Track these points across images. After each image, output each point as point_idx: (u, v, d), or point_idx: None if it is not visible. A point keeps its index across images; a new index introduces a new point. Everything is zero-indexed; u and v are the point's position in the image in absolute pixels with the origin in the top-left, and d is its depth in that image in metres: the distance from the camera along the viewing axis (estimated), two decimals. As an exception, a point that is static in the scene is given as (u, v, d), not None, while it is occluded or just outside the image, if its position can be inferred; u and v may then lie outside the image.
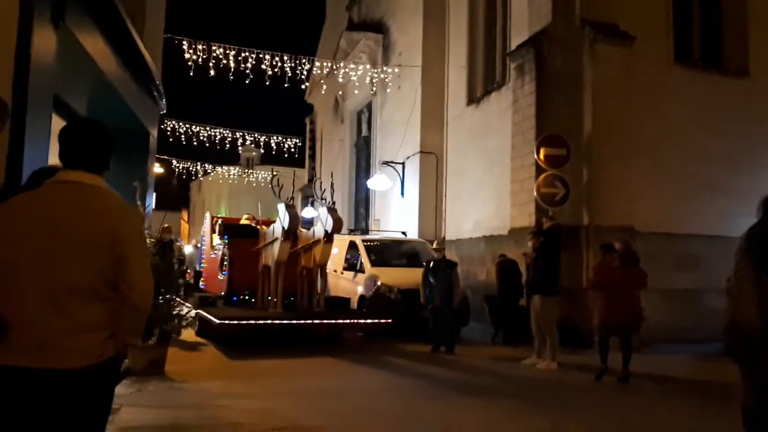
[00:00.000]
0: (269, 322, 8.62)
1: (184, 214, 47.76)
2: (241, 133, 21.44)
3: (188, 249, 18.47)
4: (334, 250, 10.46)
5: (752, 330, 1.84)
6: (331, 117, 24.00)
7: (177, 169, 25.54)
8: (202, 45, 13.42)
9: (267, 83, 14.40)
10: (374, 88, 18.05)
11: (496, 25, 14.34)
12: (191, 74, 13.58)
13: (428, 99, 15.84)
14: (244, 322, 8.47)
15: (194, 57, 13.35)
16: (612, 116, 10.41)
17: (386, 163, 16.83)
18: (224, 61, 13.73)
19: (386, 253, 12.04)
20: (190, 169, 25.80)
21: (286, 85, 14.65)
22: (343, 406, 5.83)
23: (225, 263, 11.00)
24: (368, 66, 17.70)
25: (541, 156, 10.14)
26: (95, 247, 2.16)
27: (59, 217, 2.16)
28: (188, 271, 12.20)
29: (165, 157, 23.57)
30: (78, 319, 2.12)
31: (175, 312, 7.36)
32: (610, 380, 7.23)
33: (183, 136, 19.88)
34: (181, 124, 19.71)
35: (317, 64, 16.03)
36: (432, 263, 9.49)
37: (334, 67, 17.31)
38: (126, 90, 6.67)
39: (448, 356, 8.90)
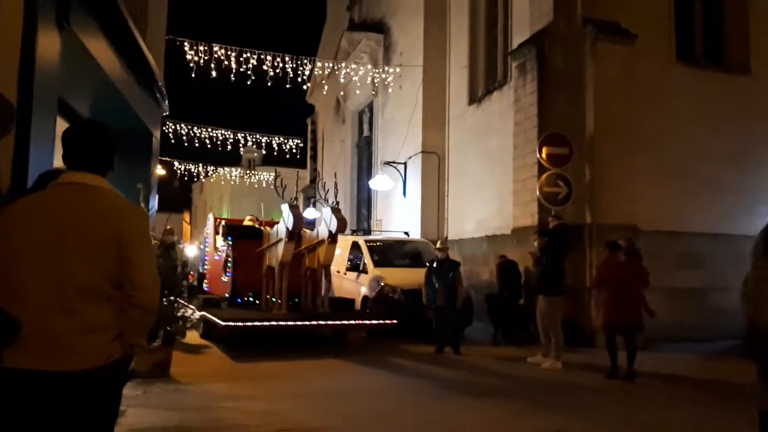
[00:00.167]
0: (274, 323, 8.61)
1: (186, 216, 47.81)
2: (242, 134, 21.44)
3: (192, 250, 18.45)
4: (337, 251, 10.46)
5: None
6: (333, 117, 24.00)
7: (179, 171, 25.57)
8: (204, 46, 13.43)
9: (268, 84, 14.41)
10: (375, 89, 18.04)
11: (497, 24, 14.33)
12: (193, 75, 13.60)
13: (429, 98, 15.83)
14: (249, 323, 8.44)
15: (195, 58, 13.36)
16: (614, 114, 10.40)
17: (388, 163, 16.82)
18: (225, 62, 13.75)
19: (389, 253, 12.04)
20: (192, 170, 25.83)
21: (287, 86, 14.66)
22: (348, 408, 5.82)
23: (229, 265, 10.99)
24: (369, 66, 17.70)
25: (544, 155, 10.13)
26: (101, 248, 2.17)
27: (64, 218, 2.17)
28: (191, 273, 12.19)
29: (167, 158, 23.61)
30: (87, 319, 2.13)
31: (179, 314, 7.36)
32: (616, 379, 7.22)
33: (185, 138, 19.90)
34: (182, 125, 19.73)
35: (318, 64, 16.03)
36: (435, 263, 9.47)
37: (336, 67, 17.31)
38: (129, 92, 6.67)
39: (453, 356, 8.89)
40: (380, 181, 16.55)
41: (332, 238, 9.15)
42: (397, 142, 17.10)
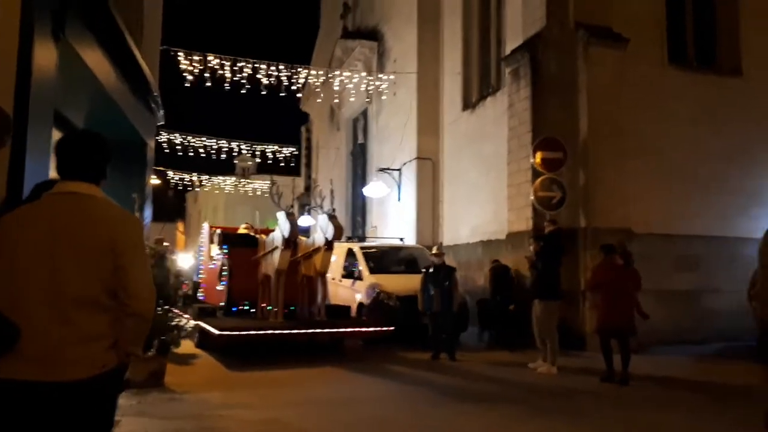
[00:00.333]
0: (270, 332, 8.58)
1: (180, 225, 47.70)
2: (236, 143, 21.44)
3: (187, 260, 18.39)
4: (333, 258, 10.46)
5: None
6: (327, 125, 24.06)
7: (173, 181, 25.50)
8: (198, 56, 13.45)
9: (263, 93, 14.44)
10: (370, 96, 18.10)
11: (490, 30, 14.43)
12: (187, 85, 13.61)
13: (424, 105, 15.90)
14: (245, 332, 8.41)
15: (190, 68, 13.38)
16: (607, 118, 10.47)
17: (383, 169, 16.86)
18: (220, 72, 13.77)
19: (384, 260, 12.04)
20: (186, 180, 25.77)
21: (281, 95, 14.69)
22: (345, 415, 5.82)
23: (224, 273, 10.96)
24: (363, 73, 17.77)
25: (538, 159, 10.18)
26: (95, 257, 2.17)
27: (59, 227, 2.18)
28: (185, 282, 12.17)
29: (161, 168, 23.55)
30: (82, 328, 2.13)
31: (173, 323, 7.34)
32: (611, 383, 7.25)
33: (179, 147, 19.88)
34: (176, 135, 19.72)
35: (312, 72, 16.08)
36: (432, 269, 9.48)
37: (330, 75, 17.37)
38: (124, 102, 6.67)
39: (449, 363, 8.90)
40: (375, 188, 16.57)
41: (328, 245, 9.14)
42: (391, 148, 17.15)
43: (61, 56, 4.41)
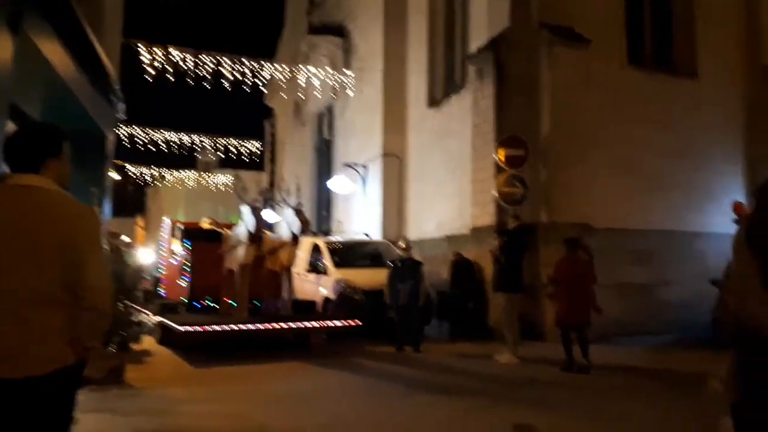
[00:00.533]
0: (235, 328, 8.49)
1: (140, 220, 46.65)
2: (198, 137, 21.06)
3: (147, 254, 18.02)
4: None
5: (762, 330, 1.78)
6: (292, 120, 23.86)
7: (133, 175, 24.92)
8: (161, 49, 13.17)
9: (226, 87, 14.23)
10: (336, 92, 18.04)
11: (455, 28, 14.55)
12: (149, 79, 13.30)
13: (390, 102, 15.92)
14: (209, 329, 8.31)
15: (152, 61, 13.09)
16: (569, 116, 10.70)
17: (348, 165, 16.83)
18: (182, 65, 13.51)
19: (349, 254, 12.06)
20: (147, 174, 25.21)
21: (245, 89, 14.50)
22: (311, 409, 5.82)
23: (186, 268, 10.81)
24: (329, 69, 17.69)
25: (501, 156, 10.33)
26: (50, 251, 2.13)
27: (11, 221, 2.13)
28: (146, 277, 11.95)
29: (120, 162, 22.99)
30: (37, 325, 2.09)
31: (134, 319, 7.22)
32: (571, 372, 7.46)
33: (139, 142, 19.44)
34: (137, 129, 19.27)
35: (277, 67, 15.92)
36: (399, 263, 9.52)
37: (295, 70, 17.22)
38: (83, 93, 6.52)
39: (413, 355, 8.98)
40: (339, 183, 16.53)
41: (294, 239, 9.11)
42: (357, 144, 17.13)
43: (18, 48, 4.29)
